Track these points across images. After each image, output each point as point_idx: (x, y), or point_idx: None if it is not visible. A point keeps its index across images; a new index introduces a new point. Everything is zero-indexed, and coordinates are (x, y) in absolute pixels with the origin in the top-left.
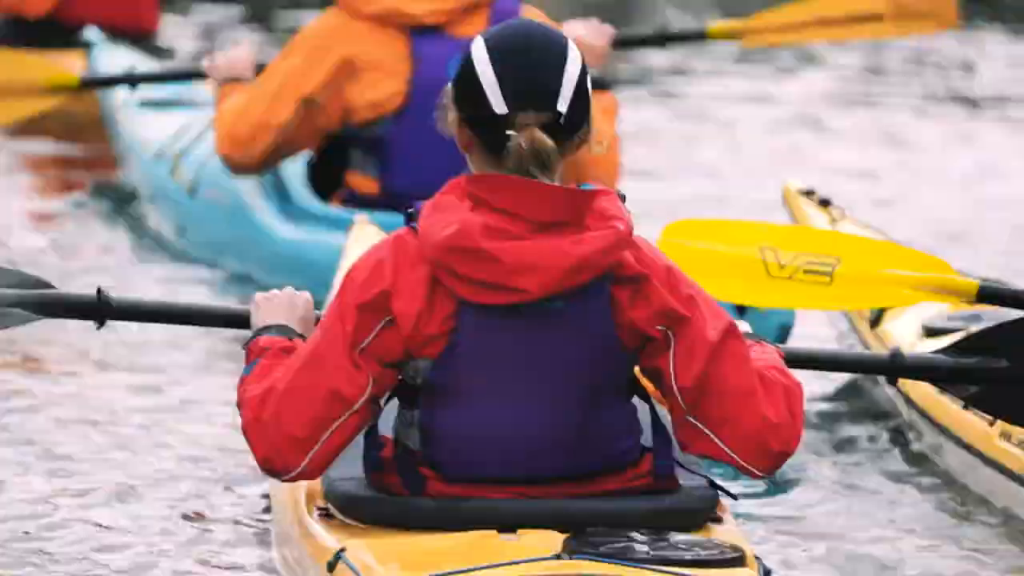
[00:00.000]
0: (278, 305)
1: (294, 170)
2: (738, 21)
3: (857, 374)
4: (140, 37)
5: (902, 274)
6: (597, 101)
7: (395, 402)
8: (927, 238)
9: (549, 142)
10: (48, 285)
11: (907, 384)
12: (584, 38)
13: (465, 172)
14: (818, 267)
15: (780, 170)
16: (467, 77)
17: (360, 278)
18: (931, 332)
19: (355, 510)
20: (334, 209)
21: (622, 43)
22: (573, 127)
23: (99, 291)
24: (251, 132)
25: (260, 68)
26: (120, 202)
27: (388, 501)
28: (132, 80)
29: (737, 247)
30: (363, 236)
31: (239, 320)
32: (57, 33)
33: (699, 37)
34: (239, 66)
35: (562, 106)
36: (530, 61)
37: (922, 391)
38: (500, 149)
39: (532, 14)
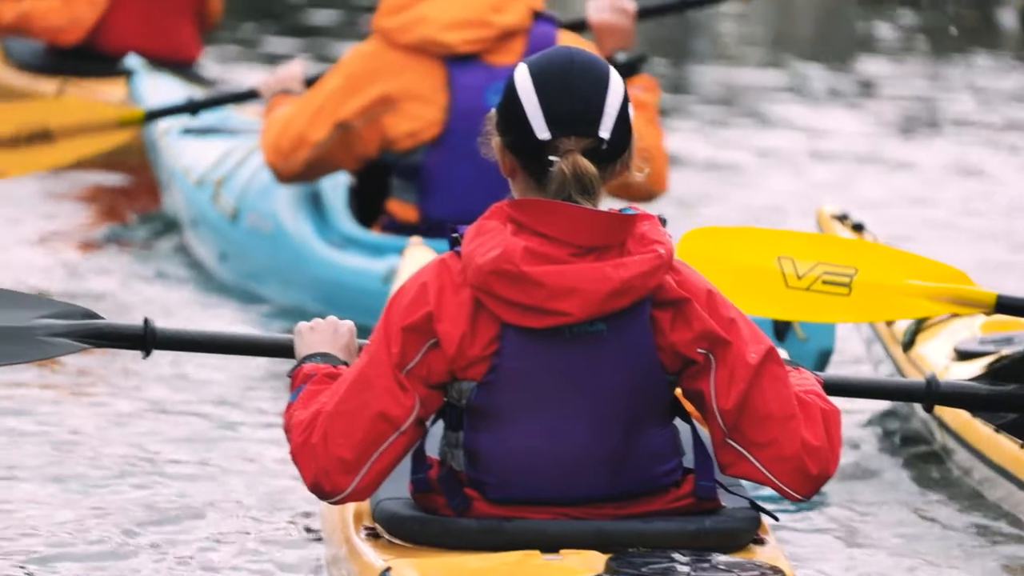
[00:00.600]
0: (321, 333)
1: (335, 197)
2: None
3: (894, 402)
4: (181, 66)
5: (920, 285)
6: (634, 84)
7: (440, 423)
8: (978, 265)
9: (591, 167)
10: (95, 316)
11: (940, 409)
12: (608, 19)
13: (504, 197)
14: (836, 277)
15: (832, 197)
16: (510, 104)
17: (405, 301)
18: (963, 355)
19: (401, 530)
20: (374, 235)
21: (644, 14)
22: (615, 152)
23: (145, 321)
24: (292, 145)
25: (311, 81)
26: (162, 229)
27: (433, 521)
28: (193, 108)
29: (755, 256)
30: (416, 258)
31: (283, 349)
32: (95, 61)
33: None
34: (289, 80)
35: (604, 132)
36: (572, 88)
37: (955, 414)
38: (543, 174)
39: (568, 40)
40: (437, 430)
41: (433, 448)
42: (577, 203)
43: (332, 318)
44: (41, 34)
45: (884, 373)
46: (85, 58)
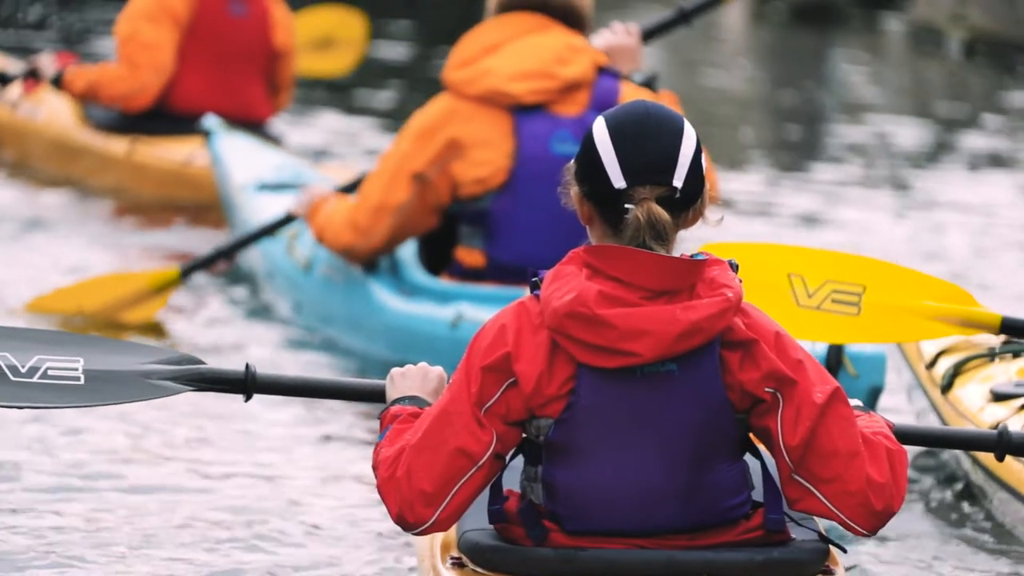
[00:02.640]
0: (411, 379)
1: (404, 246)
2: None
3: (965, 450)
4: (252, 125)
5: (927, 305)
6: (658, 99)
7: (521, 458)
8: None
9: (665, 215)
10: (199, 361)
11: None
12: (619, 41)
13: (568, 242)
14: (845, 296)
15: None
16: (588, 155)
17: (485, 342)
18: (999, 397)
19: (483, 559)
20: (442, 283)
21: (649, 34)
22: (688, 200)
23: (247, 367)
24: (370, 217)
25: (348, 188)
26: (239, 281)
27: (513, 551)
28: (226, 253)
29: (766, 273)
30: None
31: (376, 394)
32: (166, 121)
33: (717, 1)
34: (319, 193)
35: (677, 181)
36: (647, 139)
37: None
38: (619, 222)
39: (631, 93)
40: (518, 464)
41: (514, 482)
42: (651, 249)
43: (423, 364)
44: (109, 102)
45: (931, 419)
46: (156, 118)
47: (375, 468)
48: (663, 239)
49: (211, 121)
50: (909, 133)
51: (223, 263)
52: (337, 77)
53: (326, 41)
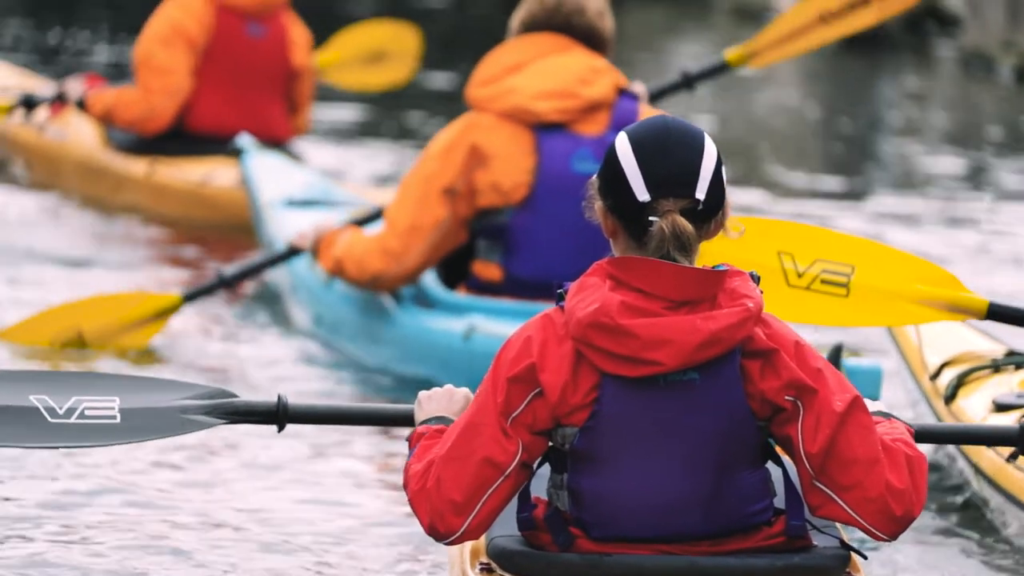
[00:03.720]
0: (438, 400)
1: None
2: (749, 42)
3: (985, 446)
4: (272, 145)
5: (915, 289)
6: None
7: (548, 466)
8: None
9: (688, 226)
10: (231, 394)
11: (978, 456)
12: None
13: (585, 257)
14: (835, 276)
15: None
16: (612, 169)
17: (511, 353)
18: (1001, 407)
19: (511, 565)
20: (457, 296)
21: (655, 97)
22: (710, 212)
23: (279, 398)
24: (404, 240)
25: (361, 222)
26: (265, 294)
27: (540, 557)
28: (227, 283)
29: (756, 251)
30: None
31: (405, 418)
32: (184, 142)
33: (722, 69)
34: (327, 226)
35: (700, 193)
36: (669, 152)
37: (991, 463)
38: (642, 234)
39: (650, 114)
40: (545, 472)
41: (541, 489)
42: (675, 260)
43: (448, 386)
44: (124, 125)
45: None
46: (175, 138)
47: (406, 484)
48: (687, 250)
49: (244, 140)
50: (960, 159)
51: (227, 292)
52: (388, 91)
53: (377, 55)
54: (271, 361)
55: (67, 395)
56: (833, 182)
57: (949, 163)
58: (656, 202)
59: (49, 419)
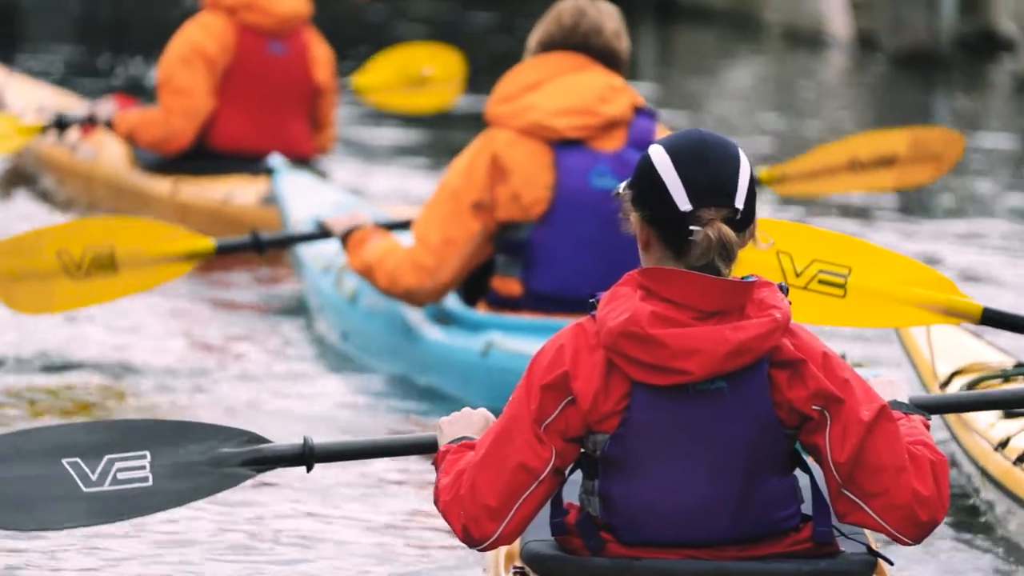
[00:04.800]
0: (457, 423)
1: None
2: (780, 166)
3: (1004, 409)
4: (297, 163)
5: (911, 291)
6: None
7: (579, 473)
8: None
9: (732, 234)
10: (261, 439)
11: (985, 460)
12: None
13: (611, 273)
14: (832, 277)
15: None
16: (648, 180)
17: (544, 362)
18: (1010, 413)
19: (544, 568)
20: (476, 313)
21: None
22: (747, 221)
23: (305, 440)
24: (437, 256)
25: (391, 225)
26: (296, 312)
27: (572, 560)
28: (259, 246)
29: (756, 250)
30: None
31: (428, 446)
32: (207, 160)
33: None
34: (360, 218)
35: (739, 203)
36: (709, 162)
37: (981, 449)
38: (681, 244)
39: (666, 134)
40: (575, 478)
41: (572, 495)
42: (718, 268)
43: (466, 408)
44: (146, 146)
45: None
46: (198, 157)
47: (437, 498)
48: (731, 258)
49: (275, 159)
50: (1015, 182)
51: (256, 257)
52: (432, 114)
53: (420, 78)
54: (301, 375)
55: (100, 454)
56: (884, 202)
57: (1003, 186)
58: (698, 211)
59: (83, 489)
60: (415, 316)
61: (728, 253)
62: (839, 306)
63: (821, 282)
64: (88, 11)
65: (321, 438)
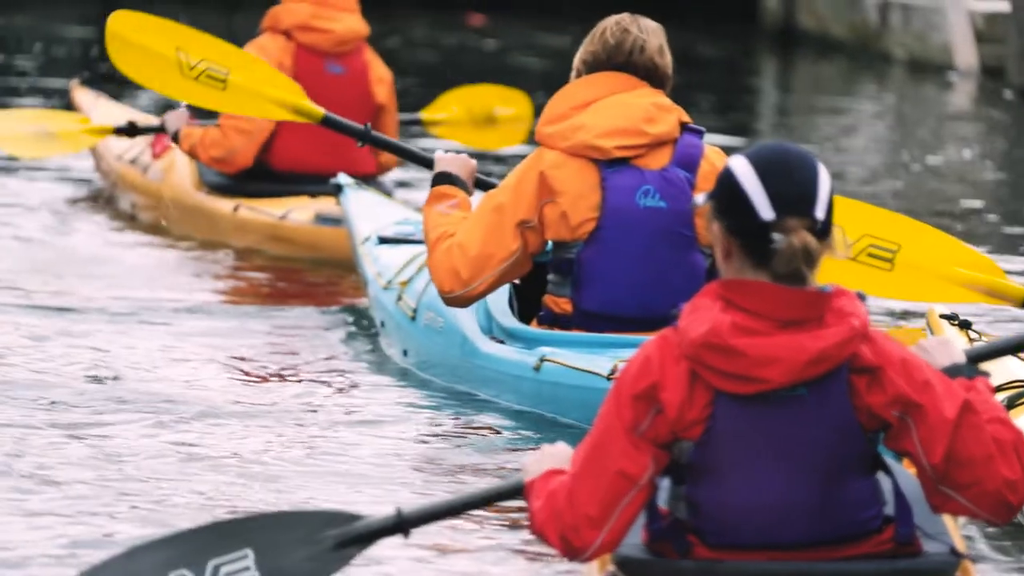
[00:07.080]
0: (539, 462)
1: (498, 295)
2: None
3: None
4: (362, 181)
5: (958, 271)
6: None
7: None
8: None
9: (816, 243)
10: (352, 517)
11: None
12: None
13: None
14: (881, 252)
15: None
16: (730, 190)
17: (632, 372)
18: None
19: (635, 571)
20: (531, 329)
21: None
22: (827, 231)
23: (397, 511)
24: (474, 270)
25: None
26: (361, 328)
27: (660, 563)
28: (369, 139)
29: None
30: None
31: (515, 490)
32: (267, 182)
33: None
34: (469, 164)
35: (820, 213)
36: (792, 172)
37: None
38: (763, 253)
39: (714, 153)
40: (662, 484)
41: (658, 500)
42: (803, 275)
43: (545, 445)
44: (207, 164)
45: None
46: (258, 178)
47: (532, 521)
48: (814, 267)
49: (342, 178)
50: None
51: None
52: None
53: (490, 117)
54: (362, 387)
55: (202, 561)
56: (1011, 230)
57: None
58: (781, 220)
59: None
60: (471, 333)
61: (813, 261)
62: (885, 278)
63: (871, 255)
64: None
65: (403, 465)
